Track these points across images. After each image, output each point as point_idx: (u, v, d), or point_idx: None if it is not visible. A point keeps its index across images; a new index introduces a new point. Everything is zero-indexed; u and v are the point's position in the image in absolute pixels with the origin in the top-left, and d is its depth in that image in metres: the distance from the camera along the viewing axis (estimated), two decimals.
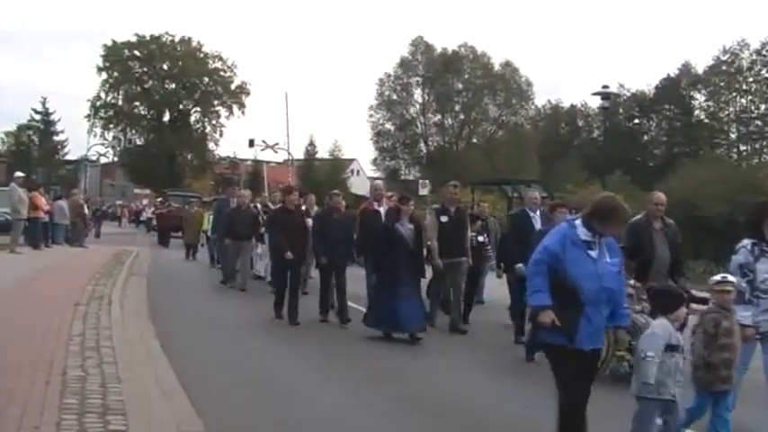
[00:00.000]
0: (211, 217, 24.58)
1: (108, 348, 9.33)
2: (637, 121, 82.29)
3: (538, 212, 13.42)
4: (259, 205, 21.09)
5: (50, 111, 78.35)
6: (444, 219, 13.73)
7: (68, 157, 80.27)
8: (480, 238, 15.49)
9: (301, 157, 78.77)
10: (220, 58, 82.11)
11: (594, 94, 38.79)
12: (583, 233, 6.37)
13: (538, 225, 12.82)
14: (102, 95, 79.77)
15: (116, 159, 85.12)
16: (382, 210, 14.70)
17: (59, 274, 18.95)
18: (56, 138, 78.80)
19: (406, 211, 13.19)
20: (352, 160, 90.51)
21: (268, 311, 14.61)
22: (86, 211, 32.41)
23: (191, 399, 7.68)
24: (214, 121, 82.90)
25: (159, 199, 45.76)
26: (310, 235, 14.80)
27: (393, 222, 13.21)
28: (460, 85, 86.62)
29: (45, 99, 79.01)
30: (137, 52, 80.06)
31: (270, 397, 8.49)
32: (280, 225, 14.69)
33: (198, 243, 29.18)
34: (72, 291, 14.62)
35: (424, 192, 45.06)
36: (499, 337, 13.82)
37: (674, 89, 78.75)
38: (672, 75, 79.48)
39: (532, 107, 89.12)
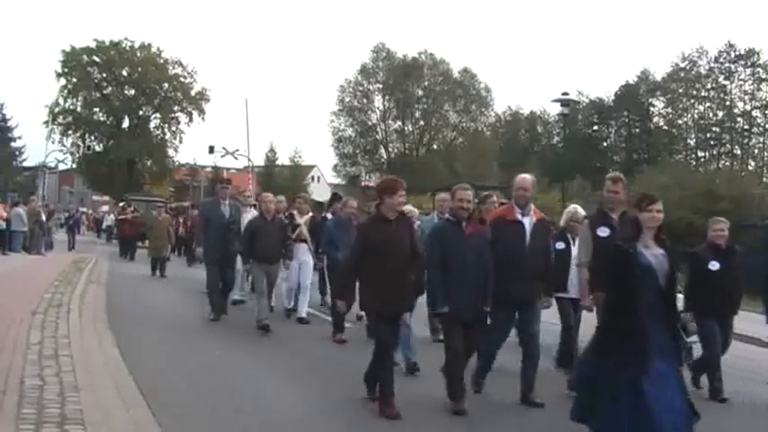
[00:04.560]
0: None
1: (66, 357, 9.21)
2: (596, 127, 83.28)
3: None
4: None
5: (8, 117, 77.43)
6: (604, 233, 8.80)
7: (26, 164, 79.48)
8: None
9: (262, 163, 78.81)
10: (180, 64, 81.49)
11: (554, 100, 39.03)
12: None
13: None
14: (61, 101, 78.81)
15: (74, 166, 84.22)
16: (527, 222, 8.99)
17: (16, 281, 18.70)
18: (13, 144, 77.68)
19: (651, 222, 6.85)
20: (312, 167, 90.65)
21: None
22: (44, 218, 31.94)
23: (150, 408, 7.59)
24: (174, 128, 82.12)
25: (122, 204, 43.31)
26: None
27: (632, 244, 6.82)
28: (420, 92, 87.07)
29: (2, 105, 77.86)
30: (96, 58, 79.16)
31: (231, 407, 8.40)
32: (372, 245, 8.38)
33: (166, 255, 25.65)
34: (29, 299, 14.41)
35: None
36: None
37: (632, 96, 79.74)
38: (630, 82, 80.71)
39: (492, 113, 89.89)
